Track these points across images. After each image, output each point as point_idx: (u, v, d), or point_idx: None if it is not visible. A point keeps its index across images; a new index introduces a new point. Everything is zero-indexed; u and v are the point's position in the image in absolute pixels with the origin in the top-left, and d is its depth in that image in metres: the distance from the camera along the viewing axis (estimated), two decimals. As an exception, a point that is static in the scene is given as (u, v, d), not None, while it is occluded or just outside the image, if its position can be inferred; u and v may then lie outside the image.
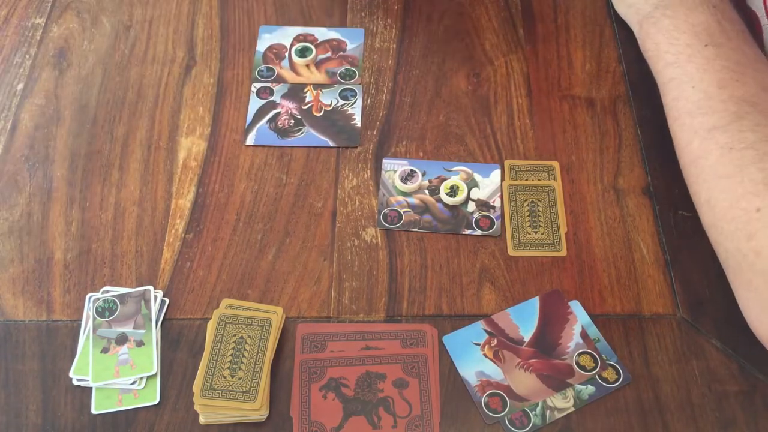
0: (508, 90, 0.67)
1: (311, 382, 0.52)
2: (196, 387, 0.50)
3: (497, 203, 0.61)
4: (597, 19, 0.72)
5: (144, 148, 0.63)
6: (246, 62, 0.69)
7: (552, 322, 0.55)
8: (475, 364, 0.53)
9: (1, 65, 0.69)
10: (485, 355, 0.53)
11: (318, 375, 0.52)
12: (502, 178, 0.62)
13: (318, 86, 0.67)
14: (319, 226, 0.59)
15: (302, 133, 0.64)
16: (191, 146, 0.63)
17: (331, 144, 0.63)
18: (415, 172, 0.62)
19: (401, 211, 0.60)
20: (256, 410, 0.50)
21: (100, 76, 0.68)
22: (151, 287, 0.56)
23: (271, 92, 0.67)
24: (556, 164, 0.63)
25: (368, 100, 0.67)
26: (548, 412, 0.51)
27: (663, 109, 0.60)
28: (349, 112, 0.65)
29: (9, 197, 0.61)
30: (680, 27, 0.59)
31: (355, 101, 0.66)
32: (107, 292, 0.55)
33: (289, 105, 0.66)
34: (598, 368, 0.53)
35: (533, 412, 0.51)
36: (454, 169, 0.62)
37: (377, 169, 0.62)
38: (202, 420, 0.51)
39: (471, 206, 0.60)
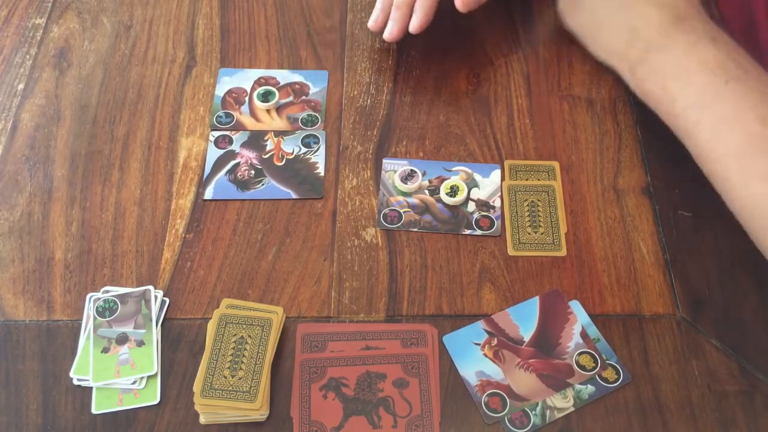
0: (508, 90, 0.67)
1: (311, 381, 0.52)
2: (197, 387, 0.50)
3: (497, 203, 0.61)
4: (597, 19, 0.72)
5: (144, 148, 0.63)
6: (246, 61, 0.69)
7: (552, 321, 0.55)
8: (475, 364, 0.53)
9: (2, 65, 0.69)
10: (485, 355, 0.53)
11: (318, 375, 0.52)
12: (502, 178, 0.62)
13: (279, 133, 0.64)
14: (319, 226, 0.59)
15: (263, 184, 0.61)
16: (191, 146, 0.63)
17: (294, 195, 0.60)
18: (415, 172, 0.62)
19: (401, 211, 0.60)
20: (257, 410, 0.50)
21: (100, 76, 0.68)
22: (151, 287, 0.56)
23: (231, 141, 0.63)
24: (556, 164, 0.63)
25: (368, 100, 0.67)
26: (548, 412, 0.51)
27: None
28: (312, 161, 0.62)
29: (9, 197, 0.61)
30: (690, 67, 0.55)
31: (318, 148, 0.63)
32: (108, 292, 0.55)
33: (249, 155, 0.62)
34: (597, 368, 0.53)
35: (533, 412, 0.51)
36: (454, 169, 0.63)
37: (377, 169, 0.62)
38: (202, 420, 0.51)
39: (471, 206, 0.60)
